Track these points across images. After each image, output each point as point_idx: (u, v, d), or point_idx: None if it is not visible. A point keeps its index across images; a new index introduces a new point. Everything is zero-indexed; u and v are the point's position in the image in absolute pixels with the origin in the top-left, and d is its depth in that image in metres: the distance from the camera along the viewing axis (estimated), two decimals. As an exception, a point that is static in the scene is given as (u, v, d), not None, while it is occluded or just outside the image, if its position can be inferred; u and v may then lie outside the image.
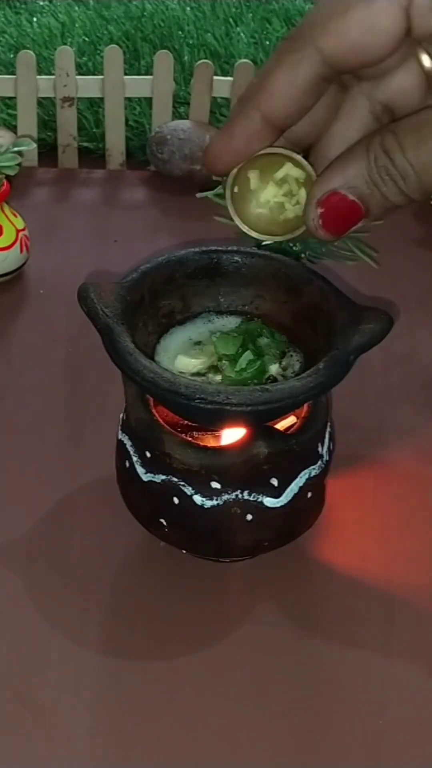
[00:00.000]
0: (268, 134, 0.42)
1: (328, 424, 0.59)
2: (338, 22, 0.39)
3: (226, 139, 0.42)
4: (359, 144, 0.42)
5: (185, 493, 0.56)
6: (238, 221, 0.47)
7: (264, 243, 0.73)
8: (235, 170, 0.44)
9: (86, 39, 1.12)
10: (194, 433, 0.59)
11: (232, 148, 0.42)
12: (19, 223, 0.83)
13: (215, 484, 0.55)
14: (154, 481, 0.57)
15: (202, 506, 0.56)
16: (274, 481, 0.56)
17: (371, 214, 0.42)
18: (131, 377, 0.53)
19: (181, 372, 0.56)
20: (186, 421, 0.58)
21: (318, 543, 0.64)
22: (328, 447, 0.59)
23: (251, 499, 0.56)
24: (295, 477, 0.56)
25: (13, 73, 0.96)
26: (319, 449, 0.58)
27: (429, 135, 0.39)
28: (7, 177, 0.81)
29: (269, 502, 0.56)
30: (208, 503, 0.56)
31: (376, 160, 0.40)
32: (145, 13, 1.16)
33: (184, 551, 0.61)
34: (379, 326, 0.55)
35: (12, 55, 1.06)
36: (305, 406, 0.57)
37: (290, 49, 0.40)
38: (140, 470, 0.57)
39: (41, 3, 1.18)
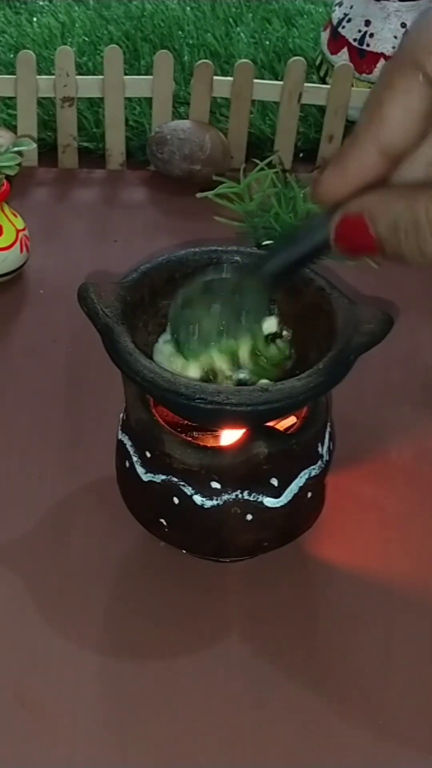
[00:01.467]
0: (385, 165, 0.40)
1: (328, 424, 0.59)
2: None
3: (340, 171, 0.41)
4: (407, 187, 0.39)
5: (185, 493, 0.56)
6: None
7: (264, 243, 0.73)
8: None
9: (86, 39, 1.12)
10: (194, 433, 0.59)
11: (347, 181, 0.41)
12: (19, 223, 0.83)
13: (215, 484, 0.55)
14: (154, 481, 0.57)
15: (202, 506, 0.56)
16: (274, 481, 0.56)
17: (378, 259, 0.41)
18: (131, 377, 0.53)
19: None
20: (186, 421, 0.58)
21: (318, 543, 0.64)
22: (328, 447, 0.59)
23: (251, 499, 0.56)
24: (295, 477, 0.56)
25: (13, 73, 0.96)
26: (319, 449, 0.58)
27: None
28: (7, 177, 0.80)
29: (269, 502, 0.56)
30: (208, 503, 0.56)
31: (410, 211, 0.38)
32: (145, 13, 1.16)
33: (184, 551, 0.61)
34: (379, 326, 0.55)
35: (12, 55, 1.06)
36: (305, 406, 0.57)
37: (399, 74, 0.38)
38: (140, 470, 0.57)
39: (41, 3, 1.18)
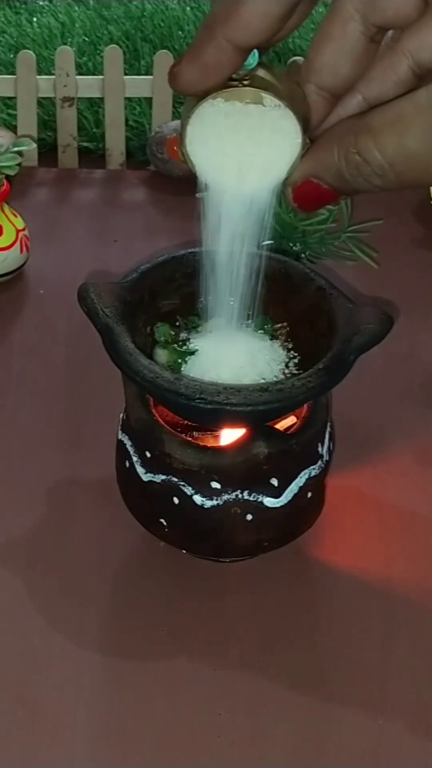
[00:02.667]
0: (239, 58, 0.41)
1: (328, 424, 0.59)
2: None
3: (196, 64, 0.41)
4: (332, 136, 0.41)
5: (185, 493, 0.56)
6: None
7: (264, 243, 0.73)
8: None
9: (86, 39, 1.12)
10: (194, 433, 0.59)
11: (205, 74, 0.41)
12: (19, 223, 0.83)
13: (215, 484, 0.55)
14: (154, 481, 0.57)
15: (202, 506, 0.56)
16: (274, 481, 0.56)
17: (345, 197, 0.43)
18: (131, 377, 0.53)
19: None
20: (186, 421, 0.58)
21: (318, 543, 0.64)
22: (328, 447, 0.59)
23: (251, 499, 0.56)
24: (295, 477, 0.56)
25: (13, 73, 0.96)
26: (319, 449, 0.58)
27: (407, 130, 0.39)
28: (7, 177, 0.80)
29: (269, 502, 0.56)
30: (208, 503, 0.56)
31: (347, 159, 0.40)
32: (145, 13, 1.16)
33: (184, 551, 0.61)
34: (379, 326, 0.55)
35: (12, 55, 1.06)
36: (305, 406, 0.57)
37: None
38: (140, 470, 0.57)
39: (41, 3, 1.18)
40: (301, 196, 0.43)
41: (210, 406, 0.51)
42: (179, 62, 0.41)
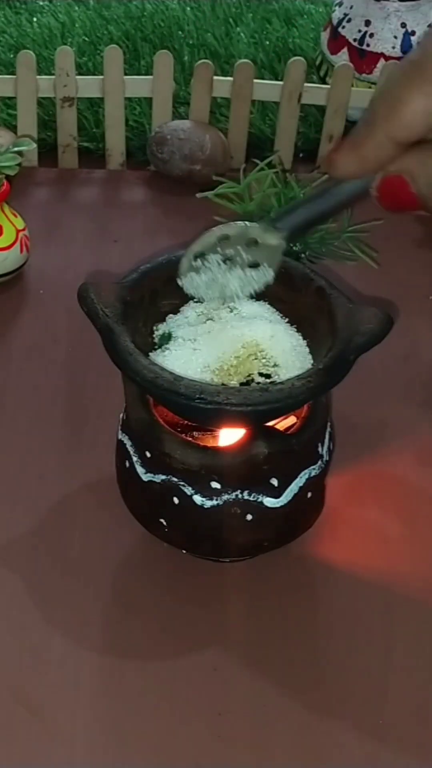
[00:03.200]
0: (398, 152, 0.43)
1: (328, 424, 0.59)
2: None
3: (356, 156, 0.44)
4: None
5: (185, 493, 0.56)
6: None
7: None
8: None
9: (86, 39, 1.12)
10: (194, 433, 0.59)
11: (363, 165, 0.45)
12: (19, 223, 0.83)
13: (215, 484, 0.55)
14: (154, 481, 0.57)
15: (202, 506, 0.56)
16: (274, 481, 0.56)
17: (423, 211, 0.44)
18: (131, 377, 0.53)
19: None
20: (186, 421, 0.58)
21: (318, 543, 0.64)
22: (328, 447, 0.59)
23: (251, 499, 0.56)
24: (295, 477, 0.56)
25: (13, 73, 0.96)
26: (319, 449, 0.58)
27: None
28: (7, 177, 0.80)
29: (269, 502, 0.56)
30: (208, 503, 0.56)
31: None
32: (145, 13, 1.16)
33: (184, 551, 0.61)
34: (378, 326, 0.55)
35: (12, 55, 1.06)
36: (305, 406, 0.57)
37: (420, 79, 0.42)
38: (140, 470, 0.57)
39: (41, 3, 1.18)
40: (386, 190, 0.44)
41: (210, 406, 0.51)
42: (338, 150, 0.44)
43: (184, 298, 0.59)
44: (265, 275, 0.51)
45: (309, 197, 0.50)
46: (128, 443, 0.58)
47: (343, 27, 1.02)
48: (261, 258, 0.51)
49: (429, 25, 0.89)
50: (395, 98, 0.42)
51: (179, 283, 0.53)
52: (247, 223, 0.52)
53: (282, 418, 0.57)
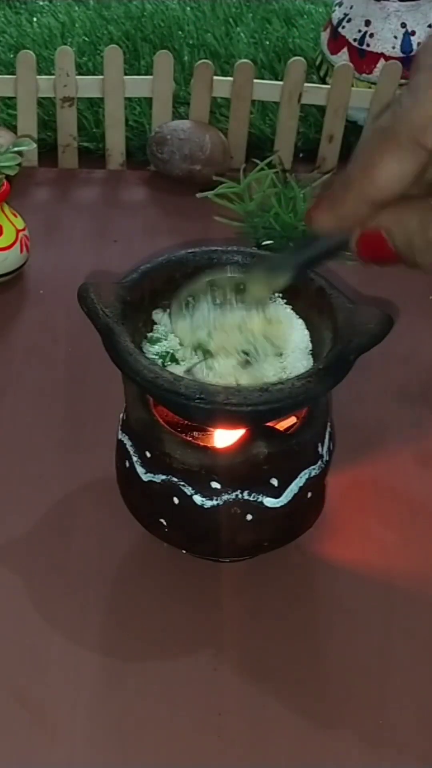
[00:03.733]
0: (374, 211, 0.45)
1: (328, 424, 0.59)
2: None
3: (333, 215, 0.46)
4: (423, 203, 0.43)
5: (185, 493, 0.56)
6: None
7: (264, 243, 0.73)
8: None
9: (86, 39, 1.12)
10: (194, 433, 0.59)
11: (340, 223, 0.46)
12: (19, 223, 0.83)
13: (215, 484, 0.55)
14: (154, 481, 0.57)
15: (202, 506, 0.56)
16: (274, 481, 0.56)
17: (402, 265, 0.45)
18: (131, 377, 0.53)
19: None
20: (186, 421, 0.58)
21: (318, 543, 0.64)
22: (328, 447, 0.59)
23: (251, 499, 0.56)
24: (295, 477, 0.56)
25: (13, 73, 0.96)
26: (319, 449, 0.58)
27: None
28: (7, 177, 0.80)
29: (269, 502, 0.56)
30: (208, 503, 0.56)
31: (424, 231, 0.43)
32: (145, 13, 1.16)
33: (184, 551, 0.61)
34: (378, 327, 0.55)
35: (12, 55, 1.06)
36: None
37: (395, 144, 0.43)
38: (140, 470, 0.57)
39: (41, 3, 1.18)
40: (364, 245, 0.46)
41: (210, 406, 0.51)
42: (317, 208, 0.46)
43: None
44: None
45: (293, 247, 0.51)
46: (128, 443, 0.58)
47: (343, 27, 1.02)
48: (248, 305, 0.54)
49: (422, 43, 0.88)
50: (369, 162, 0.44)
51: (170, 326, 0.56)
52: (235, 272, 0.56)
53: (282, 418, 0.57)
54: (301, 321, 0.57)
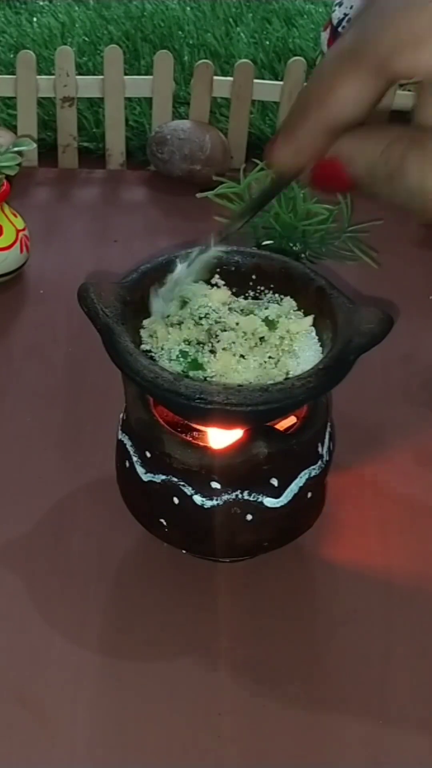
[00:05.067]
0: (331, 139, 0.43)
1: (328, 424, 0.59)
2: (413, 52, 0.39)
3: (292, 147, 0.43)
4: (389, 132, 0.41)
5: (185, 493, 0.56)
6: None
7: (264, 243, 0.73)
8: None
9: (86, 39, 1.12)
10: (194, 433, 0.59)
11: (299, 155, 0.44)
12: (19, 223, 0.83)
13: (215, 484, 0.55)
14: (154, 481, 0.57)
15: (202, 506, 0.56)
16: (274, 481, 0.56)
17: (356, 191, 0.43)
18: (131, 377, 0.53)
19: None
20: (186, 421, 0.58)
21: (318, 543, 0.64)
22: (328, 447, 0.59)
23: (251, 499, 0.56)
24: (295, 477, 0.56)
25: (13, 73, 0.96)
26: (319, 449, 0.58)
27: None
28: (7, 177, 0.80)
29: (269, 502, 0.56)
30: (208, 503, 0.56)
31: (388, 161, 0.40)
32: (145, 13, 1.16)
33: (184, 551, 0.61)
34: (378, 327, 0.54)
35: (12, 55, 1.06)
36: (305, 405, 0.57)
37: (354, 68, 0.41)
38: (140, 470, 0.57)
39: (41, 3, 1.18)
40: (320, 171, 0.43)
41: (210, 407, 0.51)
42: (274, 142, 0.43)
43: (184, 299, 0.59)
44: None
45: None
46: (128, 443, 0.58)
47: (343, 27, 1.02)
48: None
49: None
50: (328, 86, 0.41)
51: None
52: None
53: (282, 418, 0.57)
54: (316, 339, 0.57)
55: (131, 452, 0.58)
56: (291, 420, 0.58)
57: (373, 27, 0.40)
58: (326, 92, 0.41)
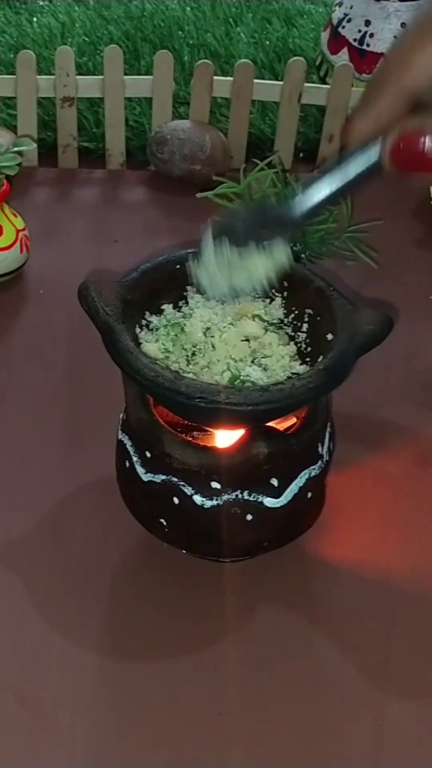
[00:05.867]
0: (409, 106, 0.45)
1: (328, 424, 0.59)
2: None
3: (372, 114, 0.46)
4: None
5: (185, 493, 0.56)
6: None
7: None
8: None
9: (86, 39, 1.12)
10: (194, 433, 0.59)
11: (379, 123, 0.46)
12: (19, 223, 0.83)
13: (215, 484, 0.55)
14: (154, 481, 0.57)
15: (202, 506, 0.56)
16: (274, 481, 0.56)
17: None
18: (131, 375, 0.53)
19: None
20: (186, 421, 0.58)
21: (318, 543, 0.64)
22: (328, 447, 0.59)
23: (251, 499, 0.56)
24: (295, 477, 0.56)
25: (13, 73, 0.96)
26: (319, 449, 0.58)
27: None
28: (7, 177, 0.80)
29: (269, 502, 0.56)
30: (208, 503, 0.56)
31: None
32: (145, 13, 1.16)
33: (184, 551, 0.61)
34: (378, 328, 0.55)
35: (12, 55, 1.06)
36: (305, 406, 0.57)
37: (429, 34, 0.44)
38: (140, 470, 0.57)
39: (41, 3, 1.18)
40: (400, 150, 0.45)
41: (210, 406, 0.51)
42: (353, 115, 0.46)
43: (184, 298, 0.59)
44: (280, 259, 0.52)
45: (320, 177, 0.50)
46: (128, 443, 0.58)
47: (343, 27, 1.02)
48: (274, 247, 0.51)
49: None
50: (406, 55, 0.45)
51: (194, 275, 0.53)
52: (257, 206, 0.54)
53: (282, 418, 0.57)
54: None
55: (131, 452, 0.58)
56: (291, 420, 0.58)
57: None
58: (404, 60, 0.45)
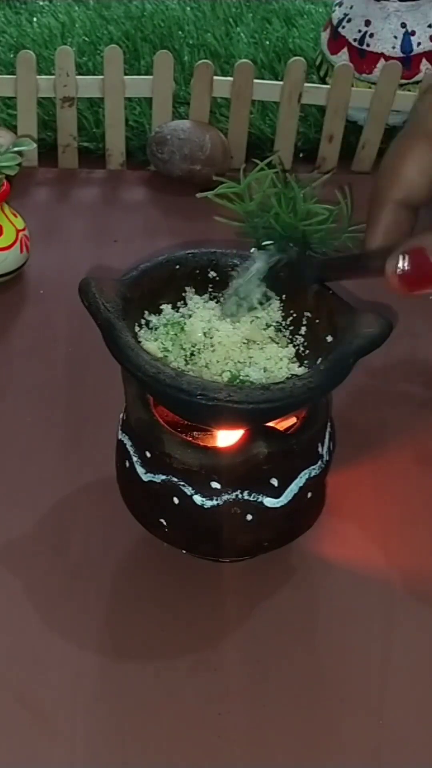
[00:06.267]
0: (410, 215, 0.48)
1: (328, 424, 0.59)
2: None
3: (379, 233, 0.49)
4: None
5: (185, 493, 0.56)
6: None
7: (264, 243, 0.73)
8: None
9: (86, 39, 1.12)
10: (194, 433, 0.59)
11: (388, 238, 0.49)
12: (19, 223, 0.83)
13: (215, 484, 0.55)
14: (154, 481, 0.57)
15: (202, 506, 0.56)
16: (274, 481, 0.56)
17: None
18: (132, 372, 0.53)
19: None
20: (186, 421, 0.58)
21: (318, 543, 0.64)
22: (328, 447, 0.59)
23: (251, 499, 0.56)
24: (295, 477, 0.56)
25: (13, 73, 0.96)
26: (319, 449, 0.58)
27: None
28: (7, 177, 0.80)
29: (269, 502, 0.56)
30: (208, 503, 0.56)
31: None
32: (145, 13, 1.16)
33: (184, 551, 0.61)
34: (378, 330, 0.54)
35: (12, 55, 1.06)
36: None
37: (414, 142, 0.47)
38: (140, 470, 0.57)
39: (41, 3, 1.18)
40: (406, 276, 0.47)
41: (211, 403, 0.51)
42: (365, 237, 0.50)
43: (182, 299, 0.59)
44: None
45: (353, 256, 0.54)
46: (128, 443, 0.58)
47: (343, 27, 1.02)
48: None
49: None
50: (396, 168, 0.48)
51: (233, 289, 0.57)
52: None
53: (282, 417, 0.57)
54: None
55: (131, 452, 0.58)
56: (291, 420, 0.58)
57: (422, 112, 0.46)
58: (395, 173, 0.47)
